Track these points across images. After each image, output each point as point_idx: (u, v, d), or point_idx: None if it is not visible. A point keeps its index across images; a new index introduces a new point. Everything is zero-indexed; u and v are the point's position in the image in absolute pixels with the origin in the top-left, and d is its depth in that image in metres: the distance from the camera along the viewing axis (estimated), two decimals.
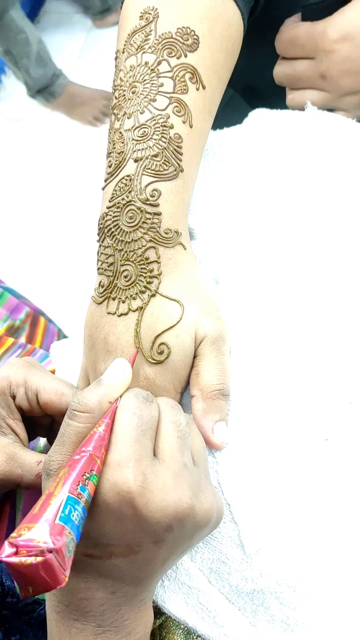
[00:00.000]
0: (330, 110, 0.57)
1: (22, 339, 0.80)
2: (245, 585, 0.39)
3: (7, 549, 0.27)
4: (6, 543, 0.27)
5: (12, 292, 0.86)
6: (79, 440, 0.34)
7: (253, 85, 0.70)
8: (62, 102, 1.87)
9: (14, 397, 0.42)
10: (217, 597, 0.39)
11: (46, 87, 1.81)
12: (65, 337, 0.88)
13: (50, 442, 0.48)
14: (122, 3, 0.48)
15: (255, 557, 0.38)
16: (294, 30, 0.57)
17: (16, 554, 0.27)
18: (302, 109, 0.57)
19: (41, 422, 0.45)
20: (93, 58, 2.06)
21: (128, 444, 0.33)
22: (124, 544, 0.33)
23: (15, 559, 0.27)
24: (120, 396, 0.36)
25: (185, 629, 0.40)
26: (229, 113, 0.62)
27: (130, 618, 0.36)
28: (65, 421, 0.35)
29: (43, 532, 0.27)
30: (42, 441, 0.52)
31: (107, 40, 2.08)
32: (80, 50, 2.10)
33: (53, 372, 0.59)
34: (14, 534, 0.28)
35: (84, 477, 0.31)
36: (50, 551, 0.27)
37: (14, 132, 2.00)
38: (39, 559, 0.27)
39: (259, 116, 0.55)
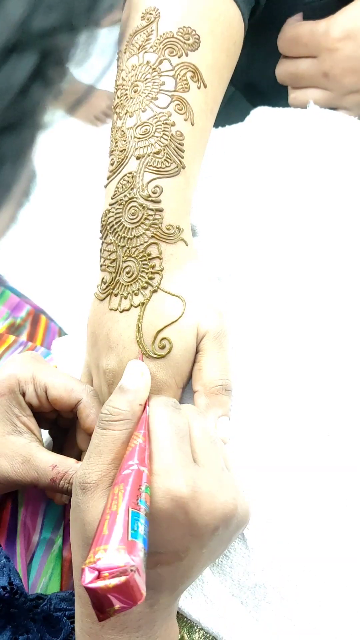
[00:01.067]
0: (333, 108, 0.57)
1: (23, 337, 0.80)
2: (247, 579, 0.39)
3: (89, 575, 0.27)
4: (86, 569, 0.27)
5: (13, 291, 0.86)
6: (116, 448, 0.34)
7: (254, 83, 0.70)
8: (65, 99, 1.86)
9: (23, 394, 0.43)
10: (221, 590, 0.40)
11: None
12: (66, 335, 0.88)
13: (54, 435, 0.48)
14: (123, 3, 0.49)
15: (257, 551, 0.39)
16: (297, 29, 0.57)
17: (98, 577, 0.27)
18: (304, 107, 0.57)
19: (46, 417, 0.45)
20: (94, 57, 2.06)
21: (172, 452, 0.33)
22: (171, 550, 0.33)
23: (100, 584, 0.27)
24: (147, 402, 0.36)
25: (189, 622, 0.40)
26: (230, 111, 0.62)
27: (161, 634, 0.36)
28: (97, 432, 0.35)
29: (120, 553, 0.27)
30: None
31: (107, 39, 2.08)
32: None
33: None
34: (90, 559, 0.28)
35: (140, 490, 0.31)
36: (132, 569, 0.27)
37: None
38: (123, 578, 0.27)
39: (261, 114, 0.55)
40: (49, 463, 0.41)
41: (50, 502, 0.48)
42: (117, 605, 0.27)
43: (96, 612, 0.28)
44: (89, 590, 0.27)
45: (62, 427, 0.47)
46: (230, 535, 0.35)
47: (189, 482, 0.32)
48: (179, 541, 0.33)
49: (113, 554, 0.27)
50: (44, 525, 0.47)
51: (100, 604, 0.27)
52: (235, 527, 0.35)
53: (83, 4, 0.15)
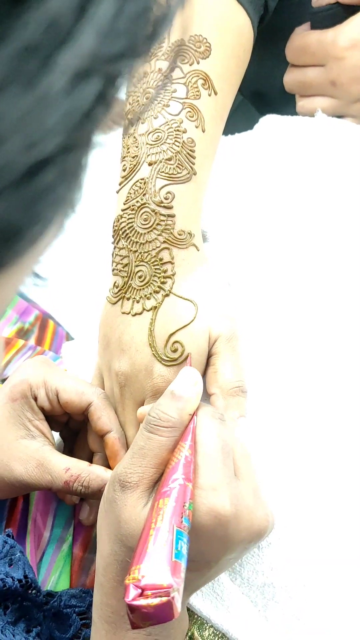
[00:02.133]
0: (340, 116, 0.58)
1: (32, 341, 0.81)
2: (256, 578, 0.39)
3: (132, 592, 0.29)
4: (131, 586, 0.29)
5: (22, 295, 0.87)
6: (162, 453, 0.34)
7: (262, 92, 0.71)
8: None
9: (35, 399, 0.43)
10: (231, 588, 0.40)
11: None
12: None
13: (65, 436, 0.49)
14: None
15: (266, 551, 0.39)
16: (305, 39, 0.58)
17: (141, 595, 0.28)
18: (312, 115, 0.58)
19: (58, 419, 0.46)
20: None
21: (218, 468, 0.34)
22: (204, 560, 0.34)
23: (142, 602, 0.28)
24: (196, 412, 0.36)
25: (199, 618, 0.41)
26: (237, 119, 0.63)
27: (175, 626, 0.36)
28: (144, 434, 0.35)
29: (164, 573, 0.29)
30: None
31: None
32: None
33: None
34: (134, 575, 0.29)
35: (185, 507, 0.32)
36: (175, 590, 0.28)
37: None
38: (164, 599, 0.28)
39: (270, 122, 0.56)
40: (62, 466, 0.41)
41: (61, 501, 0.48)
42: (154, 620, 0.29)
43: (131, 622, 0.29)
44: (131, 607, 0.29)
45: (73, 428, 0.48)
46: (256, 544, 0.36)
47: (233, 501, 0.33)
48: (214, 553, 0.34)
49: (158, 574, 0.29)
50: (54, 524, 0.47)
51: (138, 618, 0.29)
52: (264, 537, 0.36)
53: (145, 32, 0.16)
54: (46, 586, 0.45)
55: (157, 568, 0.29)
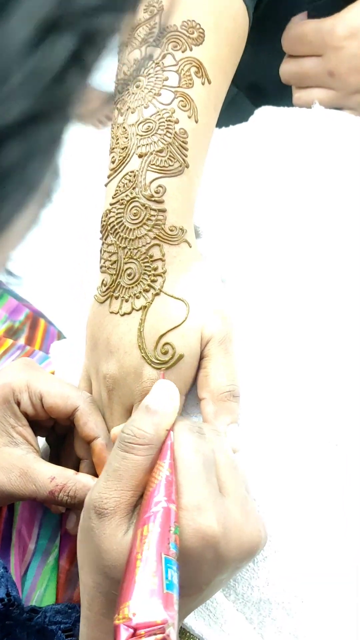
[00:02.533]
0: (338, 108, 0.57)
1: (22, 341, 0.79)
2: (251, 593, 0.38)
3: (124, 633, 0.27)
4: (122, 627, 0.27)
5: (12, 294, 0.85)
6: (139, 474, 0.32)
7: (258, 84, 0.69)
8: None
9: (18, 403, 0.41)
10: (225, 605, 0.38)
11: None
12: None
13: (51, 443, 0.47)
14: None
15: (262, 565, 0.37)
16: (302, 28, 0.57)
17: (134, 635, 0.26)
18: (309, 107, 0.57)
19: (43, 424, 0.44)
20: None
21: (201, 485, 0.32)
22: (196, 584, 0.32)
23: None
24: (172, 428, 0.34)
25: (191, 636, 0.39)
26: (232, 112, 0.62)
27: None
28: (118, 454, 0.33)
29: (157, 608, 0.27)
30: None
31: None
32: None
33: (52, 373, 0.57)
34: (124, 613, 0.27)
35: (170, 532, 0.30)
36: (169, 626, 0.27)
37: None
38: (159, 636, 0.26)
39: (266, 114, 0.54)
40: (47, 475, 0.39)
41: (47, 510, 0.47)
42: None
43: None
44: None
45: (60, 433, 0.46)
46: (249, 562, 0.35)
47: (220, 519, 0.31)
48: (205, 576, 0.32)
49: (150, 610, 0.27)
50: (40, 535, 0.46)
51: None
52: (256, 554, 0.34)
53: None
54: (31, 601, 0.43)
55: (149, 603, 0.27)
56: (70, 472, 0.40)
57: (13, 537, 0.44)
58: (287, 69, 0.59)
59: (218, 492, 0.32)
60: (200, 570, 0.32)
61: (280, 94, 0.62)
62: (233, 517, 0.32)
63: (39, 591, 0.44)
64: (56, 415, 0.42)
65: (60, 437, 0.46)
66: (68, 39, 0.12)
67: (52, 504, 0.42)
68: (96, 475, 0.41)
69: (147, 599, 0.27)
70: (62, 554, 0.45)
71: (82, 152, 1.88)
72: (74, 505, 0.40)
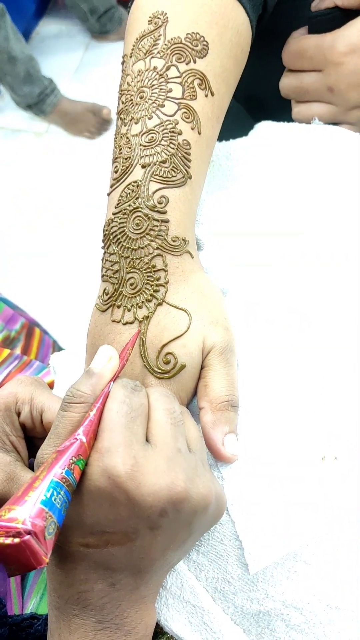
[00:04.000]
0: (336, 123, 0.57)
1: (18, 350, 0.79)
2: (250, 606, 0.37)
3: None
4: None
5: (8, 303, 0.85)
6: (74, 429, 0.34)
7: (257, 97, 0.69)
8: (54, 118, 1.90)
9: (18, 414, 0.42)
10: (222, 618, 0.38)
11: (35, 104, 1.84)
12: (60, 349, 0.87)
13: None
14: (130, 6, 0.48)
15: (260, 577, 0.37)
16: (302, 43, 0.57)
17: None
18: (308, 122, 0.57)
19: (37, 444, 0.43)
20: (91, 71, 2.07)
21: (117, 431, 0.33)
22: (119, 531, 0.33)
23: None
24: (112, 382, 0.36)
25: None
26: (230, 125, 0.62)
27: (131, 616, 0.35)
28: (59, 413, 0.35)
29: (23, 514, 0.28)
30: None
31: (106, 55, 2.10)
32: (78, 64, 2.11)
33: (51, 384, 0.57)
34: (1, 513, 0.28)
35: (71, 461, 0.31)
36: (29, 532, 0.27)
37: (11, 143, 2.00)
38: (17, 540, 0.27)
39: (266, 128, 0.55)
40: None
41: None
42: (14, 564, 0.28)
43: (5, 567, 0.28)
44: None
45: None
46: (188, 520, 0.34)
47: (128, 461, 0.32)
48: (125, 522, 0.32)
49: (15, 514, 0.28)
50: None
51: (2, 559, 0.28)
52: (191, 512, 0.33)
53: None
54: (27, 608, 0.43)
55: (17, 509, 0.28)
56: None
57: None
58: (287, 84, 0.60)
59: (138, 440, 0.33)
60: (117, 513, 0.32)
61: (280, 108, 0.62)
62: (150, 463, 0.32)
63: (35, 599, 0.43)
64: None
65: None
66: None
67: None
68: None
69: (17, 506, 0.28)
70: None
71: (78, 162, 1.88)
72: None
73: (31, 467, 0.42)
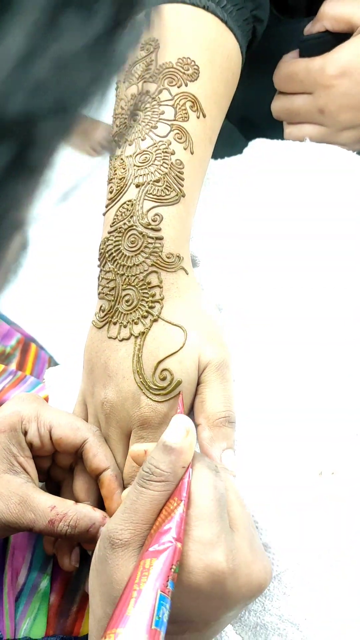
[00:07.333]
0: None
1: (13, 366, 0.79)
2: (248, 617, 0.38)
3: None
4: None
5: (3, 318, 0.85)
6: (153, 508, 0.33)
7: (249, 118, 0.71)
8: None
9: (25, 433, 0.41)
10: (226, 628, 0.38)
11: None
12: (56, 364, 0.87)
13: (50, 489, 0.45)
14: None
15: None
16: (293, 66, 0.58)
17: None
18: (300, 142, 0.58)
19: (40, 465, 0.43)
20: None
21: (215, 521, 0.32)
22: (203, 620, 0.32)
23: None
24: (191, 464, 0.34)
25: None
26: (223, 144, 0.63)
27: None
28: (136, 489, 0.33)
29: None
30: None
31: None
32: None
33: (46, 399, 0.57)
34: (112, 639, 0.27)
35: (172, 569, 0.30)
36: None
37: None
38: None
39: (260, 146, 0.56)
40: (47, 504, 0.38)
41: (39, 539, 0.46)
42: None
43: None
44: None
45: (54, 480, 0.45)
46: (256, 598, 0.35)
47: (229, 556, 0.31)
48: (213, 612, 0.32)
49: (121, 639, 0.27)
50: (32, 564, 0.45)
51: None
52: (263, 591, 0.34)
53: (80, 81, 0.12)
54: (20, 629, 0.42)
55: (135, 636, 0.27)
56: (70, 502, 0.39)
57: (6, 568, 0.43)
58: (279, 106, 0.61)
59: (229, 529, 0.33)
60: (208, 607, 0.32)
61: (272, 128, 0.63)
62: (242, 554, 0.32)
63: (28, 620, 0.43)
64: (64, 448, 0.41)
65: (55, 485, 0.45)
66: (3, 149, 0.12)
67: (49, 535, 0.41)
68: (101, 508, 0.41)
69: (134, 631, 0.27)
70: (53, 587, 0.44)
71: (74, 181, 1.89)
72: (74, 536, 0.39)
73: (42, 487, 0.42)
